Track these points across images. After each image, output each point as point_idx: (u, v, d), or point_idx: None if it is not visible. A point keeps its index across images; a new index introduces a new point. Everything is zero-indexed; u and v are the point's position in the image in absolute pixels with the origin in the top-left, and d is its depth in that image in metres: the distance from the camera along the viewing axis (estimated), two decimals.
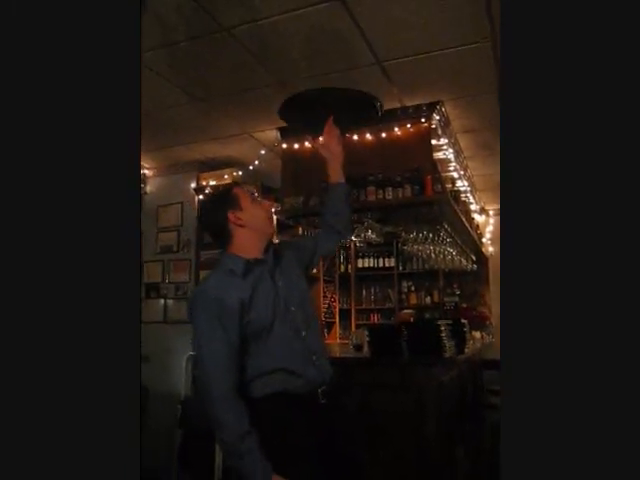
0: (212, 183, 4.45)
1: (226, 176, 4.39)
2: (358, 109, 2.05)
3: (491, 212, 6.32)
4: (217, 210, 1.64)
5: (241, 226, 1.61)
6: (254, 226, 1.62)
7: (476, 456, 3.65)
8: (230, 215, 1.62)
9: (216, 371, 1.44)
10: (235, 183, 1.88)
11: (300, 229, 4.57)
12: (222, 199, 1.67)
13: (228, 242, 1.63)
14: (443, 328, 3.12)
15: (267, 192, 4.99)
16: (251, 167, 4.20)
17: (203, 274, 4.36)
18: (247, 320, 1.48)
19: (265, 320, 1.50)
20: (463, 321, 3.50)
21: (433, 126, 3.59)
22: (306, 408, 1.51)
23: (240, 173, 4.34)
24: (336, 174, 1.93)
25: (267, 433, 1.44)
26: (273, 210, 1.81)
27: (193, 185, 4.55)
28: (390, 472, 2.83)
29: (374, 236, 3.53)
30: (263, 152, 4.14)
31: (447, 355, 3.06)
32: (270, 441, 1.43)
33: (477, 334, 4.86)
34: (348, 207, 1.95)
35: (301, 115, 2.06)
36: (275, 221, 1.74)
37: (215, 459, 3.78)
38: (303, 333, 1.56)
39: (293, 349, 1.52)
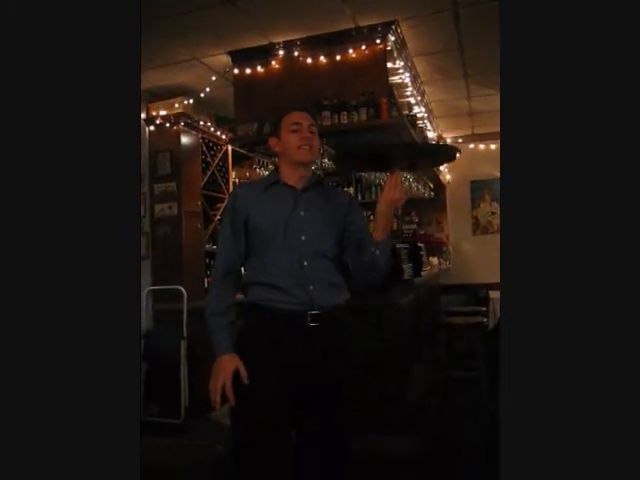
0: (162, 113, 4.26)
1: (177, 105, 4.21)
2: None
3: (448, 140, 6.32)
4: (269, 135, 1.83)
5: (279, 153, 1.75)
6: (286, 154, 1.72)
7: (431, 375, 3.82)
8: (271, 141, 1.77)
9: (220, 254, 1.73)
10: (290, 111, 1.78)
11: (256, 159, 4.48)
12: (273, 125, 1.83)
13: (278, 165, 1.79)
14: (401, 252, 3.17)
15: (222, 122, 4.84)
16: (202, 95, 4.04)
17: (158, 208, 4.26)
18: (251, 225, 1.66)
19: (265, 233, 1.64)
20: (420, 245, 3.55)
21: (388, 48, 3.50)
22: (288, 327, 1.58)
23: (191, 102, 4.17)
24: (385, 230, 1.67)
25: (244, 335, 1.65)
26: (304, 141, 1.71)
27: (143, 116, 4.35)
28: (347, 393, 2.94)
29: (331, 163, 3.48)
30: (214, 79, 3.97)
31: (405, 277, 3.12)
32: (241, 344, 1.62)
33: (434, 260, 4.97)
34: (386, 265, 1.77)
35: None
36: (299, 150, 1.72)
37: (181, 389, 3.85)
38: (305, 263, 1.61)
39: (289, 273, 1.60)
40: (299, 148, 1.68)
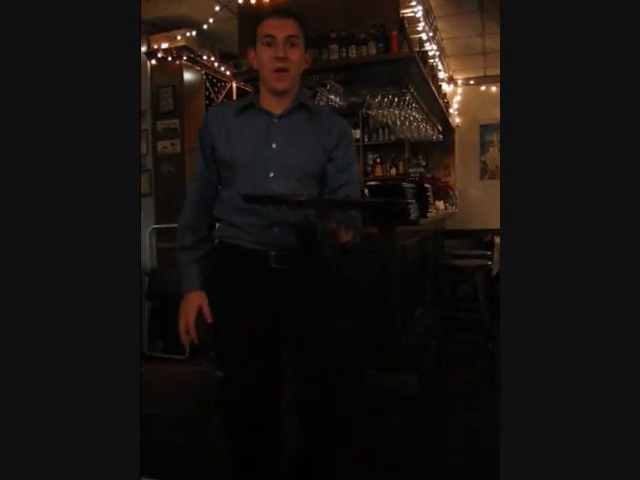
0: (164, 46, 4.11)
1: (179, 37, 4.05)
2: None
3: (460, 81, 6.13)
4: (245, 43, 1.60)
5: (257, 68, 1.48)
6: (260, 74, 1.47)
7: (432, 316, 3.85)
8: (249, 54, 1.50)
9: (191, 181, 1.59)
10: (270, 12, 1.47)
11: None
12: (251, 31, 1.48)
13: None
14: (407, 191, 3.12)
15: (225, 58, 4.69)
16: (205, 26, 3.88)
17: (161, 145, 4.18)
18: (216, 154, 1.50)
19: (229, 165, 1.47)
20: (426, 186, 3.50)
21: None
22: (253, 267, 1.47)
23: (194, 34, 4.02)
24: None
25: (213, 272, 1.55)
26: (277, 62, 1.42)
27: (144, 49, 4.21)
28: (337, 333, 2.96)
29: (337, 99, 3.38)
30: (217, 9, 3.80)
31: (411, 218, 3.09)
32: (210, 281, 1.55)
33: (440, 204, 4.92)
34: None
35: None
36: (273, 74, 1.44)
37: None
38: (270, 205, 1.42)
39: (251, 212, 1.43)
40: (272, 72, 1.41)
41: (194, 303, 1.52)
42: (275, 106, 1.47)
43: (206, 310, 1.51)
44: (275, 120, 1.46)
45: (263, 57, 1.42)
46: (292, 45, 1.41)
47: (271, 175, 1.44)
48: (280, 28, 1.40)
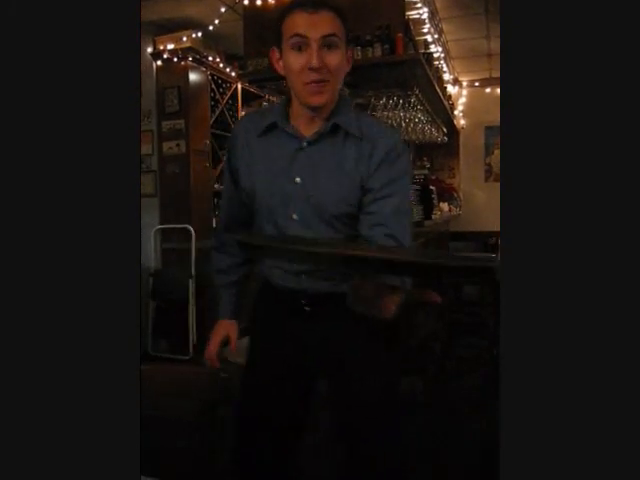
0: (170, 47, 4.13)
1: (185, 38, 4.07)
2: None
3: (465, 83, 6.12)
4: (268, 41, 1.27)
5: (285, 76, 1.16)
6: (290, 84, 1.15)
7: (435, 319, 3.84)
8: (272, 54, 1.17)
9: (222, 204, 1.40)
10: (300, 2, 1.07)
11: (266, 97, 4.36)
12: (274, 29, 1.16)
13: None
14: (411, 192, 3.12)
15: (231, 59, 4.70)
16: (211, 27, 3.89)
17: (166, 146, 4.19)
18: (239, 180, 1.27)
19: (251, 197, 1.24)
20: (431, 187, 3.49)
21: None
22: (285, 306, 1.29)
23: (200, 35, 4.03)
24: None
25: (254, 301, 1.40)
26: (312, 73, 1.07)
27: (150, 50, 4.22)
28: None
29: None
30: (223, 10, 3.81)
31: (415, 219, 3.08)
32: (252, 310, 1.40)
33: (445, 206, 4.91)
34: None
35: None
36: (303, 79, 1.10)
37: (189, 326, 3.91)
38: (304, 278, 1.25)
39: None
40: (305, 85, 1.10)
41: (221, 332, 1.42)
42: (306, 125, 1.18)
43: (233, 340, 1.41)
44: (304, 144, 1.17)
45: (292, 65, 1.10)
46: (330, 47, 1.08)
47: (294, 217, 1.18)
48: (314, 25, 1.06)
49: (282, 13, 1.12)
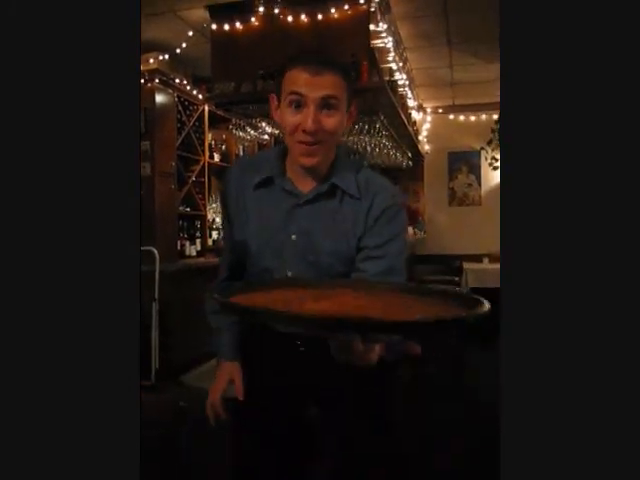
0: None
1: (151, 60, 4.06)
2: None
3: (429, 110, 6.27)
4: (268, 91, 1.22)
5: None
6: (284, 136, 1.12)
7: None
8: (271, 100, 1.14)
9: (223, 250, 1.35)
10: (302, 59, 1.04)
11: (233, 121, 4.37)
12: (275, 75, 1.14)
13: None
14: None
15: (198, 82, 4.71)
16: (178, 50, 3.90)
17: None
18: (235, 234, 1.24)
19: (246, 251, 1.21)
20: None
21: (372, 9, 3.41)
22: (281, 348, 1.23)
23: (167, 57, 4.03)
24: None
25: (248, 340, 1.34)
26: (306, 135, 1.03)
27: None
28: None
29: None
30: (191, 34, 3.83)
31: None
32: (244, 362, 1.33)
33: (409, 229, 4.99)
34: None
35: None
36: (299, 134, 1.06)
37: (152, 351, 3.82)
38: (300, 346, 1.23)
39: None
40: (297, 143, 1.07)
41: (224, 377, 1.30)
42: (303, 180, 1.15)
43: (239, 384, 1.28)
44: (300, 202, 1.14)
45: (287, 122, 1.07)
46: (330, 108, 1.04)
47: (289, 274, 1.15)
48: (314, 86, 1.02)
49: (284, 64, 1.09)
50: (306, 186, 1.14)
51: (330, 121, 1.04)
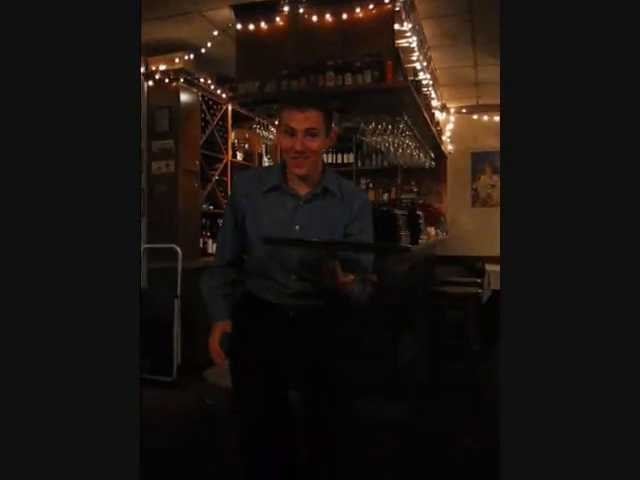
0: (162, 68, 4.16)
1: (177, 60, 4.10)
2: None
3: (452, 110, 6.22)
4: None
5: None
6: (281, 153, 1.58)
7: (421, 344, 3.84)
8: (278, 128, 1.59)
9: (219, 242, 1.74)
10: (292, 102, 1.53)
11: (256, 120, 4.40)
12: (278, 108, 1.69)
13: None
14: (399, 218, 3.14)
15: (222, 81, 4.74)
16: (203, 50, 3.93)
17: (155, 165, 4.19)
18: (247, 228, 1.60)
19: (257, 241, 1.54)
20: (418, 212, 3.52)
21: (397, 9, 3.39)
22: (272, 315, 1.62)
23: (192, 57, 4.06)
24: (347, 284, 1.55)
25: (238, 306, 1.68)
26: (296, 154, 1.51)
27: (142, 70, 4.25)
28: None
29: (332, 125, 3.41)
30: (216, 33, 3.86)
31: (402, 244, 3.10)
32: (236, 312, 1.67)
33: (432, 230, 4.95)
34: None
35: None
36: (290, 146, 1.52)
37: (173, 347, 3.86)
38: (293, 277, 1.57)
39: (275, 284, 1.58)
40: (290, 158, 1.52)
41: (219, 330, 1.62)
42: (300, 187, 1.58)
43: (229, 329, 1.62)
44: (301, 202, 1.57)
45: (283, 144, 1.52)
46: (313, 136, 1.48)
47: (293, 255, 1.54)
48: (300, 121, 1.46)
49: (283, 105, 1.55)
50: (303, 190, 1.59)
51: (312, 144, 1.48)
